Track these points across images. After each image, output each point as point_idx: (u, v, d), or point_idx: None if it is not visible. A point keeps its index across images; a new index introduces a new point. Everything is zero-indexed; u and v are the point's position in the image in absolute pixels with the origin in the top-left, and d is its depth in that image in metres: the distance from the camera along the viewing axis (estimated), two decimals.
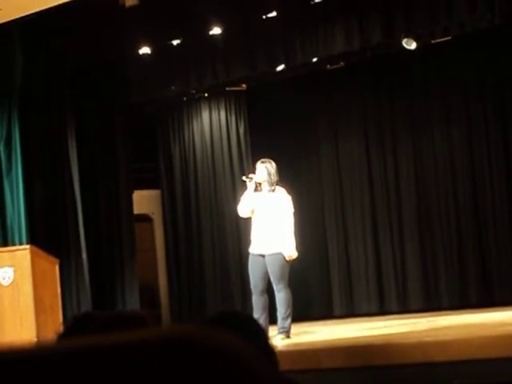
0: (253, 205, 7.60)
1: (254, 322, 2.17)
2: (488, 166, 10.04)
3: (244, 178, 7.84)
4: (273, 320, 7.79)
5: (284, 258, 7.44)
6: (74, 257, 9.45)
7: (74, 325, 2.15)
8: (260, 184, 7.63)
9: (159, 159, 11.53)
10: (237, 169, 11.07)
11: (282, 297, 7.50)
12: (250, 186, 7.62)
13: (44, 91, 9.51)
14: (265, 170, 7.57)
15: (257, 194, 7.63)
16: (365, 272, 10.64)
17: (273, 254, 7.45)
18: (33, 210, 9.21)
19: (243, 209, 7.71)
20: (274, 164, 7.63)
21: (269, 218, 7.52)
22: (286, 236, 7.46)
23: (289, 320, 7.54)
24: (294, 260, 7.56)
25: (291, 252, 7.45)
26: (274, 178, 7.57)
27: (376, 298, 10.52)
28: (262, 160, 7.74)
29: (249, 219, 7.85)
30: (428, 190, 10.42)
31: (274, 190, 7.57)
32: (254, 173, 7.76)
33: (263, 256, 7.50)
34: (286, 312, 7.49)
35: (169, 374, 0.59)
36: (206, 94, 11.15)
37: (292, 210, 7.55)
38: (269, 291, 7.67)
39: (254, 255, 7.61)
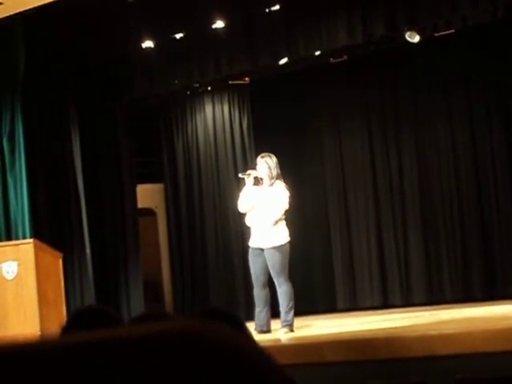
0: (252, 200, 7.62)
1: (234, 319, 2.16)
2: (491, 160, 10.03)
3: (240, 174, 7.87)
4: (274, 314, 7.81)
5: (284, 250, 7.47)
6: (78, 251, 9.46)
7: (75, 318, 2.15)
8: (262, 179, 7.64)
9: (162, 153, 11.53)
10: (240, 162, 11.07)
11: (283, 290, 7.52)
12: (249, 182, 7.65)
13: (47, 86, 9.51)
14: (265, 164, 7.58)
15: (256, 188, 7.64)
16: (368, 266, 10.65)
17: (271, 248, 7.47)
18: (36, 205, 9.22)
19: (243, 205, 7.74)
20: (274, 158, 7.63)
21: (267, 212, 7.53)
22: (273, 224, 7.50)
23: (291, 313, 7.55)
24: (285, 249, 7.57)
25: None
26: (274, 171, 7.57)
27: (379, 291, 10.52)
28: (262, 155, 7.76)
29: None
30: (431, 184, 10.42)
31: (272, 184, 7.57)
32: (254, 168, 7.76)
33: (262, 250, 7.53)
34: (288, 305, 7.51)
35: (172, 367, 0.60)
36: (209, 88, 11.14)
37: (286, 206, 7.53)
38: (270, 285, 7.69)
39: (253, 249, 7.64)
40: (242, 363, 0.60)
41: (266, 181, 7.60)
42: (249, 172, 7.72)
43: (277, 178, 7.60)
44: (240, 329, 2.05)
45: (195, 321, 0.63)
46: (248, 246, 7.78)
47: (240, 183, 7.74)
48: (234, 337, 0.63)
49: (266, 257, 7.51)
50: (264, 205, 7.55)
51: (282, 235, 7.50)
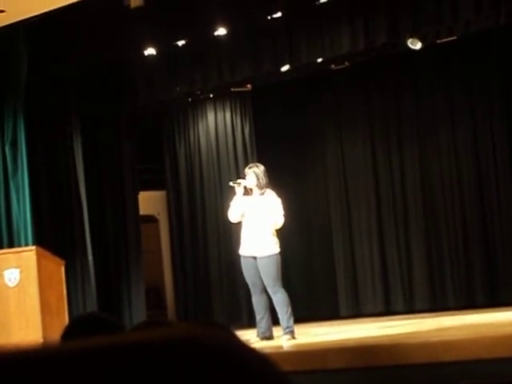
0: (243, 209, 7.67)
1: (227, 329, 2.15)
2: (493, 165, 10.03)
3: (231, 183, 7.91)
4: (274, 321, 7.81)
5: (277, 259, 7.52)
6: (80, 258, 9.46)
7: (75, 325, 2.15)
8: (251, 189, 7.69)
9: (165, 160, 11.54)
10: (242, 170, 11.02)
11: (279, 297, 7.55)
12: (239, 190, 7.69)
13: (49, 93, 9.52)
14: (253, 174, 7.64)
15: (247, 198, 7.69)
16: (371, 272, 10.64)
17: (265, 257, 7.50)
18: (39, 212, 9.22)
19: (233, 214, 7.79)
20: (261, 167, 7.71)
21: (260, 220, 7.57)
22: (276, 222, 7.53)
23: (292, 319, 7.57)
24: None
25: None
26: (263, 181, 7.63)
27: (382, 298, 10.51)
28: (250, 165, 7.90)
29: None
30: (434, 190, 10.41)
31: (263, 194, 7.63)
32: (244, 178, 7.81)
33: (255, 258, 7.57)
34: (287, 311, 7.53)
35: (173, 373, 0.59)
36: (212, 95, 11.15)
37: (282, 213, 7.60)
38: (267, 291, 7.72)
39: (245, 257, 7.68)
40: (245, 369, 0.60)
41: (256, 190, 7.66)
42: (239, 181, 7.77)
43: (266, 187, 7.65)
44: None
45: (196, 327, 0.63)
46: (239, 255, 7.82)
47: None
48: (235, 343, 0.62)
49: (260, 266, 7.55)
50: (256, 214, 7.60)
51: (274, 244, 7.55)
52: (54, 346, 0.65)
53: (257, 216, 7.60)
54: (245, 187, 7.70)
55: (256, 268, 7.58)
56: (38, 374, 0.61)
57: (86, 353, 0.62)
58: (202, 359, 0.60)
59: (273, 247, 7.53)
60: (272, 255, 7.51)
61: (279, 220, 7.57)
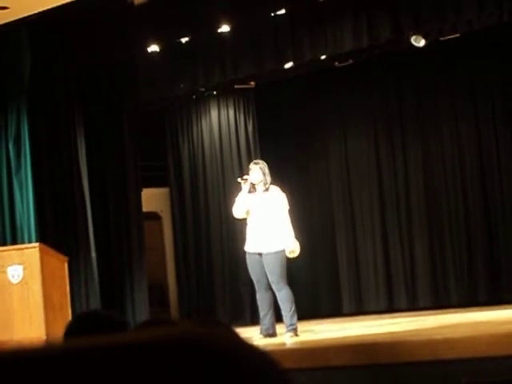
0: (248, 205, 7.67)
1: (228, 328, 2.16)
2: (497, 163, 10.02)
3: (239, 179, 7.91)
4: (277, 318, 7.81)
5: (282, 255, 7.50)
6: (83, 255, 9.46)
7: (78, 322, 2.15)
8: (254, 185, 7.69)
9: (168, 157, 11.54)
10: (246, 167, 11.04)
11: (284, 294, 7.54)
12: (245, 187, 7.69)
13: (52, 89, 9.52)
14: (259, 170, 7.65)
15: (251, 194, 7.69)
16: (373, 270, 10.64)
17: (271, 253, 7.50)
18: (42, 208, 9.23)
19: (238, 210, 7.78)
20: (265, 164, 7.72)
21: (265, 216, 7.57)
22: (285, 233, 7.50)
23: (295, 316, 7.57)
24: (295, 256, 7.61)
25: (293, 246, 7.50)
26: (268, 177, 7.64)
27: (385, 295, 10.51)
28: (255, 161, 7.90)
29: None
30: (437, 187, 10.41)
31: (267, 190, 7.64)
32: (248, 174, 7.81)
33: (260, 254, 7.57)
34: (291, 309, 7.53)
35: (174, 373, 0.60)
36: (215, 92, 11.15)
37: (287, 208, 7.61)
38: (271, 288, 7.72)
39: (250, 253, 7.68)
40: (245, 368, 0.60)
41: (260, 187, 7.66)
42: (246, 177, 7.77)
43: (270, 184, 7.67)
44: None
45: (198, 327, 0.63)
46: (244, 251, 7.82)
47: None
48: (236, 342, 0.63)
49: (265, 262, 7.54)
50: (260, 210, 7.60)
51: (280, 240, 7.54)
52: (56, 345, 0.66)
53: (262, 212, 7.59)
54: (250, 184, 7.70)
55: (261, 264, 7.57)
56: (39, 372, 0.62)
57: (88, 352, 0.62)
58: (202, 359, 0.60)
59: (278, 243, 7.51)
60: (277, 252, 7.50)
61: (284, 217, 7.56)
